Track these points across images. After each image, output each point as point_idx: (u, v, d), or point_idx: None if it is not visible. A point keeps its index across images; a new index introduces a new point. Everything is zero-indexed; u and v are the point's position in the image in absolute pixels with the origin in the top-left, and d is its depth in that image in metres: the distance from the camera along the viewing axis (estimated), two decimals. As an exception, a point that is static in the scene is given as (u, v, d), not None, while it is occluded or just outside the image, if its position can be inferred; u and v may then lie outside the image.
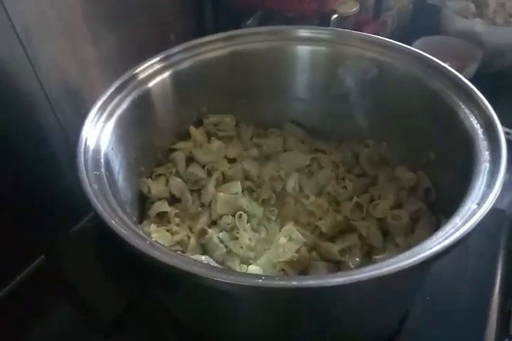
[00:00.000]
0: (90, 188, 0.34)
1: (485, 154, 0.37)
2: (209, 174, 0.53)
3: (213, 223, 0.49)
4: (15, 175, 0.50)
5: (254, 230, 0.49)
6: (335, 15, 0.76)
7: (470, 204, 0.33)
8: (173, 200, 0.51)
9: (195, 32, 0.75)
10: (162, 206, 0.48)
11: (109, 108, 0.42)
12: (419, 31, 0.88)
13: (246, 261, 0.46)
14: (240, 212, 0.48)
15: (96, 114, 0.41)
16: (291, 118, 0.59)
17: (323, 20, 0.74)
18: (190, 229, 0.48)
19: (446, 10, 0.88)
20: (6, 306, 0.51)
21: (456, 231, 0.31)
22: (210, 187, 0.50)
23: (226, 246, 0.46)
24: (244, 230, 0.47)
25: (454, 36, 0.85)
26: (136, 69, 0.46)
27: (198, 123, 0.56)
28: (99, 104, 0.41)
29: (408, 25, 0.98)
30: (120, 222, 0.32)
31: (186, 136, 0.55)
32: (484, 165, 0.36)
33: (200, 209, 0.50)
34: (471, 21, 0.85)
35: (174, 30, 0.70)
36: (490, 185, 0.34)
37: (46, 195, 0.54)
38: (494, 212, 0.32)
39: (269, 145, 0.57)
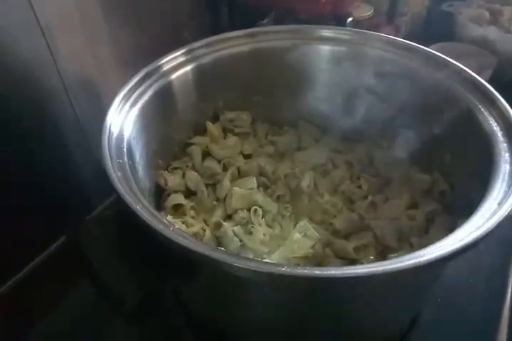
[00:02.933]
0: (115, 175, 0.34)
1: (505, 156, 0.38)
2: (225, 169, 0.53)
3: (228, 217, 0.50)
4: (28, 164, 0.50)
5: (268, 226, 0.49)
6: (350, 19, 0.77)
7: (491, 204, 0.34)
8: (189, 193, 0.51)
9: (210, 31, 0.75)
10: (178, 198, 0.49)
11: (132, 97, 0.42)
12: (432, 37, 0.88)
13: (260, 256, 0.46)
14: (255, 207, 0.48)
15: (120, 102, 0.41)
16: (307, 117, 0.59)
17: (338, 23, 0.74)
18: (205, 222, 0.48)
19: (461, 17, 0.89)
20: (29, 287, 0.51)
21: (477, 229, 0.31)
22: (226, 182, 0.51)
23: (241, 240, 0.46)
24: (259, 225, 0.47)
25: (468, 43, 0.85)
26: (161, 60, 0.46)
27: (215, 119, 0.56)
28: (123, 92, 0.42)
29: (421, 31, 0.98)
30: (144, 208, 0.32)
31: (203, 131, 0.55)
32: (504, 167, 0.37)
33: (215, 203, 0.50)
34: (486, 29, 0.85)
35: (189, 29, 0.71)
36: (511, 186, 0.34)
37: (59, 185, 0.54)
38: (509, 218, 0.33)
39: (283, 143, 0.57)
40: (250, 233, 0.47)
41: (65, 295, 0.46)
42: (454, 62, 0.47)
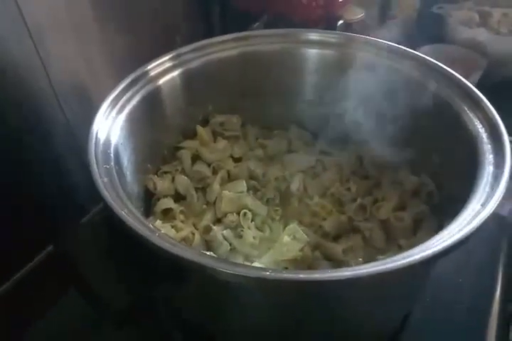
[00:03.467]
0: (101, 181, 0.34)
1: (489, 157, 0.38)
2: (214, 172, 0.53)
3: (218, 221, 0.50)
4: (19, 167, 0.50)
5: (258, 229, 0.49)
6: (340, 21, 0.77)
7: (474, 205, 0.34)
8: (179, 197, 0.51)
9: (202, 35, 0.76)
10: (167, 203, 0.49)
11: (120, 103, 0.43)
12: (423, 39, 0.88)
13: (249, 259, 0.46)
14: (245, 210, 0.48)
15: (107, 108, 0.41)
16: (297, 120, 0.60)
17: (329, 26, 0.75)
18: (195, 226, 0.49)
19: (451, 19, 0.90)
20: (16, 295, 0.51)
21: (460, 230, 0.32)
22: (216, 185, 0.51)
23: (230, 244, 0.46)
24: (249, 228, 0.48)
25: (458, 45, 0.86)
26: (148, 66, 0.47)
27: (205, 123, 0.57)
28: (110, 98, 0.42)
29: (412, 33, 0.99)
30: (130, 214, 0.32)
31: (193, 135, 0.55)
32: (488, 168, 0.37)
33: (205, 206, 0.51)
34: (475, 31, 0.86)
35: (181, 33, 0.71)
36: (494, 187, 0.35)
37: (50, 189, 0.54)
38: (496, 218, 0.33)
39: (273, 146, 0.58)
40: (240, 236, 0.47)
41: (54, 302, 0.46)
42: (441, 65, 0.48)
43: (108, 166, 0.37)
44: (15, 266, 0.54)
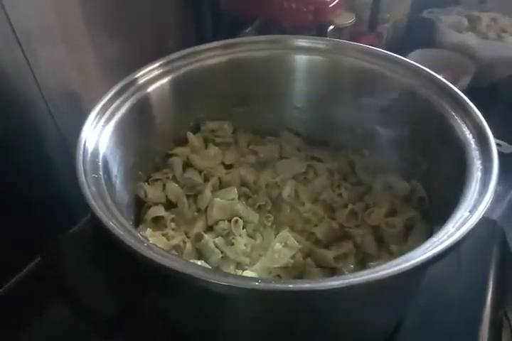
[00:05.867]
0: (88, 190, 0.34)
1: (477, 163, 0.38)
2: (206, 179, 0.53)
3: (209, 228, 0.50)
4: (10, 175, 0.50)
5: (249, 236, 0.49)
6: (331, 27, 0.78)
7: (463, 211, 0.34)
8: (170, 205, 0.51)
9: (194, 40, 0.76)
10: (158, 210, 0.49)
11: (108, 111, 0.42)
12: (413, 44, 0.89)
13: (241, 267, 0.46)
14: (236, 218, 0.48)
15: (95, 117, 0.41)
16: (288, 126, 0.60)
17: (320, 31, 0.75)
18: (186, 234, 0.48)
19: (440, 24, 0.90)
20: (3, 306, 0.50)
21: (449, 237, 0.32)
22: (207, 193, 0.51)
23: (222, 252, 0.46)
24: (240, 236, 0.47)
25: (448, 49, 0.87)
26: (136, 74, 0.46)
27: (196, 129, 0.56)
28: (98, 107, 0.42)
29: (403, 38, 0.99)
30: (118, 224, 0.32)
31: (184, 142, 0.55)
32: (476, 174, 0.37)
33: (196, 214, 0.50)
34: (464, 35, 0.87)
35: (173, 38, 0.71)
36: (482, 193, 0.35)
37: (42, 196, 0.54)
38: (486, 222, 0.33)
39: (265, 153, 0.58)
40: (231, 244, 0.47)
41: (40, 313, 0.46)
42: (430, 71, 0.48)
43: (96, 175, 0.37)
44: (2, 277, 0.53)
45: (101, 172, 0.38)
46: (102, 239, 0.33)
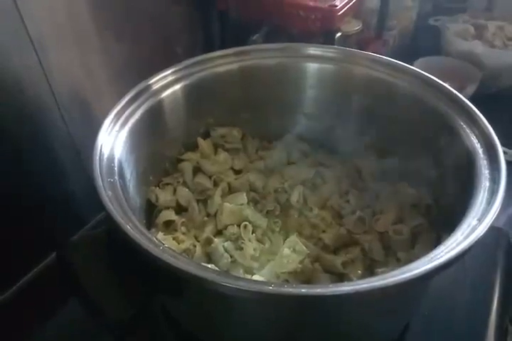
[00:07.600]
0: (105, 194, 0.35)
1: (485, 173, 0.39)
2: (215, 184, 0.54)
3: (219, 232, 0.50)
4: (20, 178, 0.51)
5: (258, 241, 0.49)
6: (339, 34, 0.78)
7: (471, 220, 0.35)
8: (180, 209, 0.52)
9: (202, 46, 0.77)
10: (169, 215, 0.49)
11: (123, 117, 0.43)
12: (419, 51, 0.90)
13: (250, 271, 0.46)
14: (245, 223, 0.49)
15: (111, 123, 0.42)
16: (297, 133, 0.60)
17: (328, 38, 0.76)
18: (196, 238, 0.49)
19: (447, 31, 0.91)
20: (15, 306, 0.51)
21: (457, 245, 0.32)
22: (217, 197, 0.52)
23: (231, 256, 0.47)
24: (249, 240, 0.48)
25: (454, 57, 0.87)
26: (150, 80, 0.47)
27: (206, 135, 0.57)
28: (114, 112, 0.42)
29: (409, 45, 1.00)
30: (134, 228, 0.33)
31: (194, 147, 0.56)
32: (484, 184, 0.38)
33: (206, 218, 0.51)
34: (471, 43, 0.88)
35: (181, 44, 0.72)
36: (490, 202, 0.36)
37: (53, 198, 0.55)
38: (492, 229, 0.34)
39: (273, 159, 0.58)
40: (240, 248, 0.47)
41: (54, 313, 0.46)
42: (438, 80, 0.49)
43: (112, 180, 0.38)
44: (14, 276, 0.54)
45: (116, 177, 0.38)
46: (116, 241, 0.34)
